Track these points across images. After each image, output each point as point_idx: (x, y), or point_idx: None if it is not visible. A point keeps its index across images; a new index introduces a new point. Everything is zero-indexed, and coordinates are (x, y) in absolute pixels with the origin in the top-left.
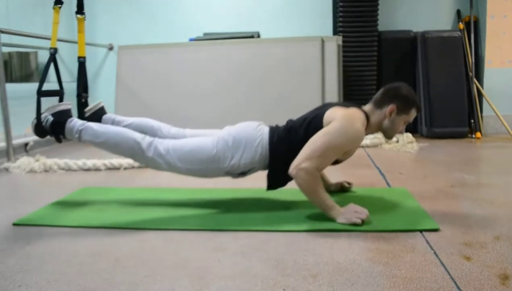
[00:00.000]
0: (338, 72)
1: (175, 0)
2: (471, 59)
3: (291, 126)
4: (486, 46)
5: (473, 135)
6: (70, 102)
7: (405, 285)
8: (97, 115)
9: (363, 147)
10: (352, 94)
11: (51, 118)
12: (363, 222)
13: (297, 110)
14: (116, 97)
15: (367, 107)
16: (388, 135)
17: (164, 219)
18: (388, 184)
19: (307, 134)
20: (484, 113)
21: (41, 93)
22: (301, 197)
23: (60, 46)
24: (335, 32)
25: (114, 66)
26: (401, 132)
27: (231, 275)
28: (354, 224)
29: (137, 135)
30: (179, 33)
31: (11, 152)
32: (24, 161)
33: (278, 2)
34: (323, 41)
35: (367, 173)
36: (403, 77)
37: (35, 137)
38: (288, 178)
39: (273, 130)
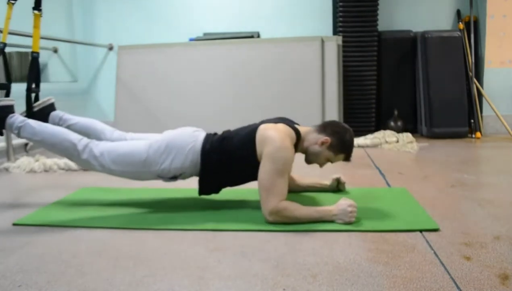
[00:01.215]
0: (338, 72)
1: (175, 0)
2: (471, 59)
3: (225, 136)
4: (486, 46)
5: (473, 135)
6: (13, 99)
7: (405, 285)
8: (45, 112)
9: (363, 146)
10: (352, 94)
11: None
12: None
13: (297, 110)
14: (116, 97)
15: (306, 128)
16: (310, 161)
17: (164, 219)
18: (388, 184)
19: (238, 147)
20: (484, 113)
21: None
22: (300, 197)
23: (60, 46)
24: (335, 32)
25: (114, 66)
26: (319, 165)
27: (231, 275)
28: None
29: (74, 137)
30: (179, 33)
31: (11, 151)
32: (24, 161)
33: (278, 2)
34: (323, 41)
35: (367, 173)
36: (403, 77)
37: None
38: (220, 186)
39: (208, 138)
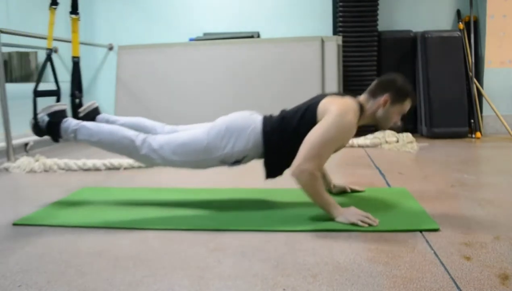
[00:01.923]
0: (338, 72)
1: (175, 0)
2: (471, 59)
3: (284, 116)
4: (486, 46)
5: (473, 135)
6: (65, 103)
7: (405, 285)
8: (91, 116)
9: (363, 146)
10: (352, 95)
11: (46, 119)
12: (369, 225)
13: None
14: (116, 97)
15: (362, 97)
16: (382, 126)
17: (164, 219)
18: (388, 184)
19: (300, 124)
20: (484, 113)
21: (37, 93)
22: (300, 197)
23: (60, 46)
24: (335, 32)
25: (114, 66)
26: (395, 124)
27: (231, 275)
28: (354, 224)
29: (131, 133)
30: (179, 33)
31: (11, 151)
32: (24, 161)
33: (278, 2)
34: (323, 41)
35: (367, 173)
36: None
37: (35, 137)
38: (284, 167)
39: (266, 120)
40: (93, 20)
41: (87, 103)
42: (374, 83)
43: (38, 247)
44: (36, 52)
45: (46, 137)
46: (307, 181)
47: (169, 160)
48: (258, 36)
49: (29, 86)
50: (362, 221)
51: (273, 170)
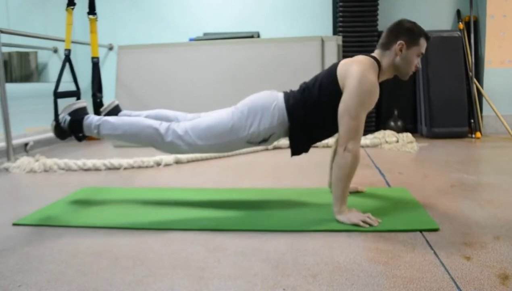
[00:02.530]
0: None
1: (175, 0)
2: (471, 59)
3: (304, 88)
4: (486, 46)
5: (473, 135)
6: (85, 100)
7: (405, 285)
8: (112, 114)
9: (363, 146)
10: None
11: (68, 118)
12: (370, 225)
13: None
14: (116, 97)
15: (376, 53)
16: (404, 73)
17: (164, 219)
18: (388, 184)
19: (321, 93)
20: (484, 113)
21: (57, 95)
22: (301, 197)
23: (60, 46)
24: (335, 32)
25: (114, 66)
26: (417, 66)
27: (231, 275)
28: (355, 225)
29: (154, 122)
30: (179, 33)
31: (11, 152)
32: (24, 161)
33: (278, 2)
34: (323, 41)
35: (367, 173)
36: None
37: (35, 137)
38: (310, 142)
39: (288, 95)
40: None
41: (108, 102)
42: (383, 35)
43: (38, 247)
44: (36, 52)
45: (69, 137)
46: (350, 162)
47: (194, 145)
48: (258, 36)
49: (29, 86)
50: (364, 221)
51: (300, 145)
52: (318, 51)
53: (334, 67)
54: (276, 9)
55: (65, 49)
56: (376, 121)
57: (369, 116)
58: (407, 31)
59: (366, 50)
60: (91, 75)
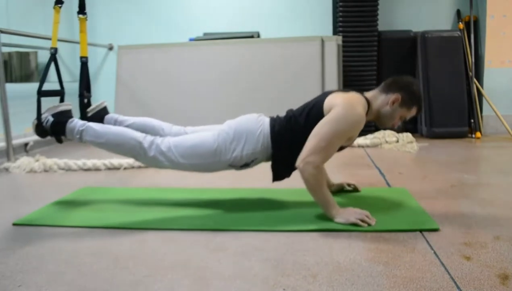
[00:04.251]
0: (338, 72)
1: (175, 0)
2: (471, 59)
3: (291, 115)
4: (486, 46)
5: (473, 135)
6: (70, 103)
7: (405, 285)
8: (100, 115)
9: (363, 146)
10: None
11: (51, 119)
12: (369, 225)
13: None
14: (116, 97)
15: (371, 93)
16: (383, 124)
17: (164, 219)
18: (388, 184)
19: (307, 122)
20: (484, 113)
21: (41, 93)
22: (300, 197)
23: (60, 46)
24: (335, 32)
25: (114, 66)
26: (393, 126)
27: (231, 275)
28: (353, 224)
29: (138, 135)
30: (179, 33)
31: (11, 152)
32: (24, 161)
33: (278, 2)
34: (323, 41)
35: (367, 173)
36: None
37: (35, 137)
38: (292, 169)
39: (274, 120)
40: (93, 20)
41: (96, 103)
42: (390, 79)
43: (38, 247)
44: (36, 52)
45: (48, 138)
46: (312, 174)
47: (177, 162)
48: (258, 36)
49: (29, 86)
50: (362, 220)
51: (281, 171)
52: (318, 51)
53: (323, 97)
54: (276, 9)
55: (51, 48)
56: None
57: None
58: (409, 92)
59: (366, 50)
60: (79, 75)
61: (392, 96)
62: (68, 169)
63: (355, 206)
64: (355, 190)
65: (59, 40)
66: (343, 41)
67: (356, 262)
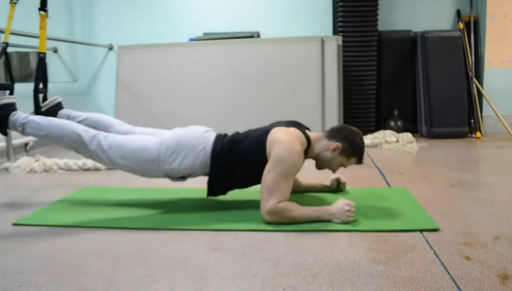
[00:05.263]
0: (338, 72)
1: (175, 0)
2: (471, 59)
3: (235, 140)
4: (486, 46)
5: (473, 135)
6: (15, 96)
7: (405, 285)
8: (53, 111)
9: None
10: (352, 94)
11: None
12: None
13: (297, 110)
14: (116, 97)
15: (315, 134)
16: (320, 167)
17: (164, 219)
18: (388, 184)
19: (248, 152)
20: (484, 113)
21: None
22: (300, 197)
23: (60, 46)
24: (335, 32)
25: (114, 66)
26: (332, 170)
27: (231, 275)
28: (348, 223)
29: (81, 129)
30: (179, 33)
31: (11, 152)
32: (24, 161)
33: (278, 2)
34: (323, 41)
35: (367, 173)
36: (403, 77)
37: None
38: (227, 189)
39: (218, 140)
40: (93, 20)
41: (50, 98)
42: (336, 127)
43: (38, 247)
44: (36, 52)
45: None
46: (280, 218)
47: (115, 162)
48: (258, 36)
49: (29, 86)
50: (348, 211)
51: (217, 190)
52: (318, 51)
53: (266, 132)
54: (276, 9)
55: (3, 42)
56: (376, 121)
57: (369, 116)
58: (352, 143)
59: (366, 50)
60: (36, 70)
61: (334, 144)
62: (68, 169)
63: (356, 206)
64: (340, 189)
65: (59, 40)
66: (343, 41)
67: (356, 262)
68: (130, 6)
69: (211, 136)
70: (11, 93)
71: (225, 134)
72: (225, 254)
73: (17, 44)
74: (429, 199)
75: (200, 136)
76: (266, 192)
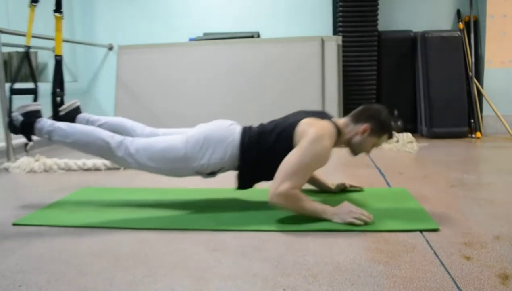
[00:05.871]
0: (338, 72)
1: (175, 0)
2: (471, 59)
3: (262, 131)
4: (486, 46)
5: (473, 135)
6: (39, 103)
7: (405, 285)
8: (72, 115)
9: None
10: (352, 94)
11: (20, 118)
12: (366, 223)
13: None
14: (116, 97)
15: (343, 120)
16: (354, 152)
17: (164, 219)
18: (388, 184)
19: (275, 144)
20: (484, 113)
21: (13, 91)
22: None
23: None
24: (335, 32)
25: (114, 66)
26: (366, 153)
27: (231, 275)
28: (351, 224)
29: (107, 135)
30: (179, 33)
31: (11, 152)
32: (24, 161)
33: (278, 2)
34: (323, 41)
35: (367, 173)
36: (403, 77)
37: (36, 137)
38: (257, 181)
39: (245, 132)
40: (93, 20)
41: (69, 102)
42: (359, 108)
43: (38, 247)
44: (36, 52)
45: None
46: (288, 202)
47: (144, 165)
48: (258, 36)
49: (29, 86)
50: (358, 218)
51: (246, 182)
52: (318, 51)
53: (295, 123)
54: (276, 9)
55: (25, 46)
56: None
57: None
58: (379, 121)
59: (366, 50)
60: (53, 73)
61: (361, 127)
62: (68, 169)
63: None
64: (359, 189)
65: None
66: (343, 41)
67: (356, 262)
68: (130, 6)
69: (237, 129)
70: (35, 98)
71: (251, 127)
72: (225, 254)
73: (17, 44)
74: (429, 199)
75: (226, 129)
76: (284, 173)
